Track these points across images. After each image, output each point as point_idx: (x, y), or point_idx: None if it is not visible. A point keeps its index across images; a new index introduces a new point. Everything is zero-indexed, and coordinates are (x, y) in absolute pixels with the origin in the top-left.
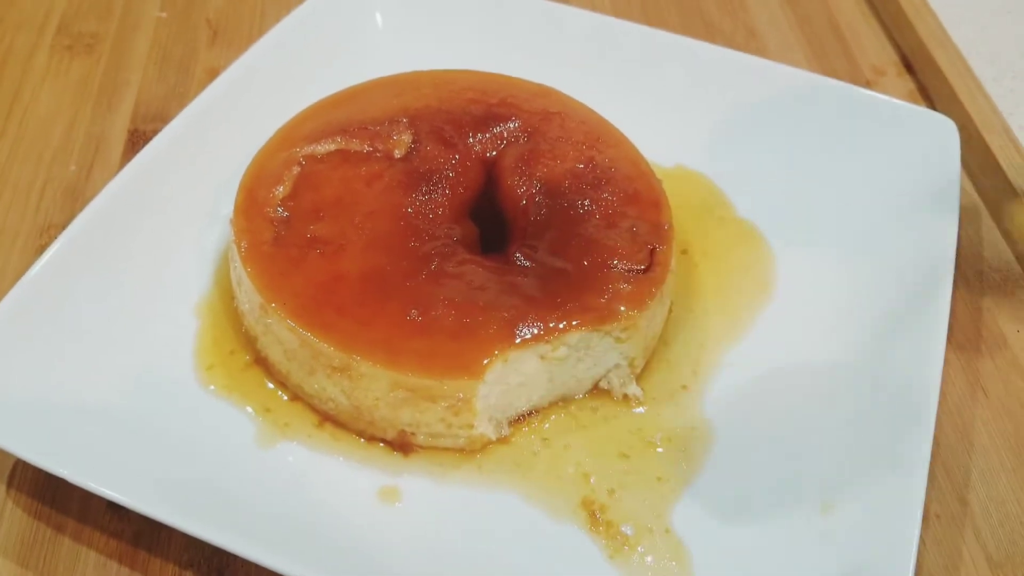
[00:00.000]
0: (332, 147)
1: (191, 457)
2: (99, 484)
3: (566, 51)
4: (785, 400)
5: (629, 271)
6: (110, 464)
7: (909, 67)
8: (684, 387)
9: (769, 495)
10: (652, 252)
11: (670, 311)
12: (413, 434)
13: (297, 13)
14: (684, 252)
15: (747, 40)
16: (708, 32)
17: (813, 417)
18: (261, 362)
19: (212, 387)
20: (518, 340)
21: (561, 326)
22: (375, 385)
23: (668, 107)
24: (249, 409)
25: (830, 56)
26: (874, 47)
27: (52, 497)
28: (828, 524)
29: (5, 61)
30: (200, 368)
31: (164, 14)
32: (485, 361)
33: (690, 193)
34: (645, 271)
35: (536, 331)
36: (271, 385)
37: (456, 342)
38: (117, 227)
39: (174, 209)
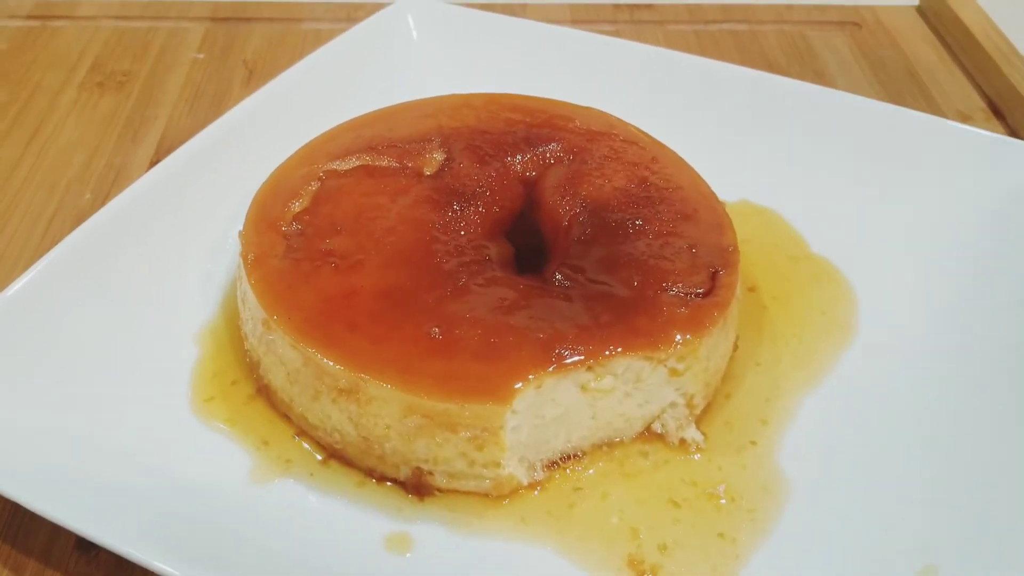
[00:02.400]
0: (356, 163)
1: (177, 494)
2: (65, 516)
3: (624, 84)
4: (872, 452)
5: (687, 294)
6: (83, 496)
7: (997, 112)
8: (752, 440)
9: (856, 560)
10: (714, 275)
11: (735, 348)
12: (430, 473)
13: (333, 43)
14: (752, 290)
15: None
16: None
17: (907, 472)
18: (264, 392)
19: (209, 420)
20: (554, 365)
21: (606, 352)
22: (386, 410)
23: (731, 140)
24: (247, 444)
25: (908, 101)
26: (957, 92)
27: (15, 532)
28: None
29: (32, 96)
30: (197, 399)
31: (201, 55)
32: (516, 386)
33: (758, 229)
34: (706, 295)
35: (576, 355)
36: (275, 419)
37: (482, 363)
38: (118, 244)
39: (184, 230)
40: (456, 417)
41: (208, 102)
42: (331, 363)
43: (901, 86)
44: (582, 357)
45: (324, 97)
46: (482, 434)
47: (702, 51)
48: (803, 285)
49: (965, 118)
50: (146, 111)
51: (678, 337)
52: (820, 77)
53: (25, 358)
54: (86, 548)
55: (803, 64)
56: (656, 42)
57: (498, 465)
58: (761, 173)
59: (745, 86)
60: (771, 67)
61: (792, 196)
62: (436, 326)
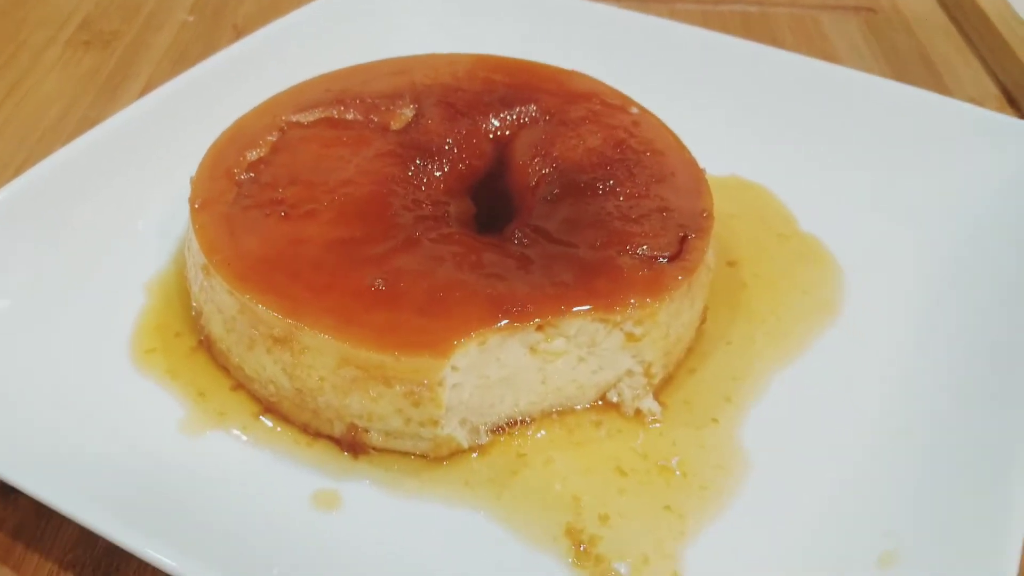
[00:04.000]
0: (321, 116)
1: (105, 443)
2: None
3: (618, 53)
4: (837, 435)
5: (652, 257)
6: (4, 439)
7: (1012, 100)
8: (714, 418)
9: (813, 541)
10: (683, 240)
11: (704, 320)
12: (366, 431)
13: (317, 3)
14: (732, 265)
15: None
16: None
17: (873, 456)
18: (205, 343)
19: (148, 370)
20: (500, 322)
21: (557, 312)
22: (320, 361)
23: (725, 113)
24: (183, 395)
25: (919, 86)
26: (971, 80)
27: None
28: None
29: (17, 52)
30: (139, 350)
31: (192, 18)
32: (456, 341)
33: (746, 204)
34: (672, 259)
35: (524, 314)
36: (215, 372)
37: (423, 317)
38: (73, 190)
39: (142, 180)
40: (391, 370)
41: (192, 63)
42: (265, 309)
43: (912, 72)
44: (531, 316)
45: (302, 56)
46: (418, 390)
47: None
48: (788, 263)
49: (978, 105)
50: (129, 69)
51: (635, 298)
52: (828, 61)
53: None
54: (5, 491)
55: (811, 46)
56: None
57: (436, 424)
58: (754, 148)
59: (743, 58)
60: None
61: (785, 173)
62: (381, 278)
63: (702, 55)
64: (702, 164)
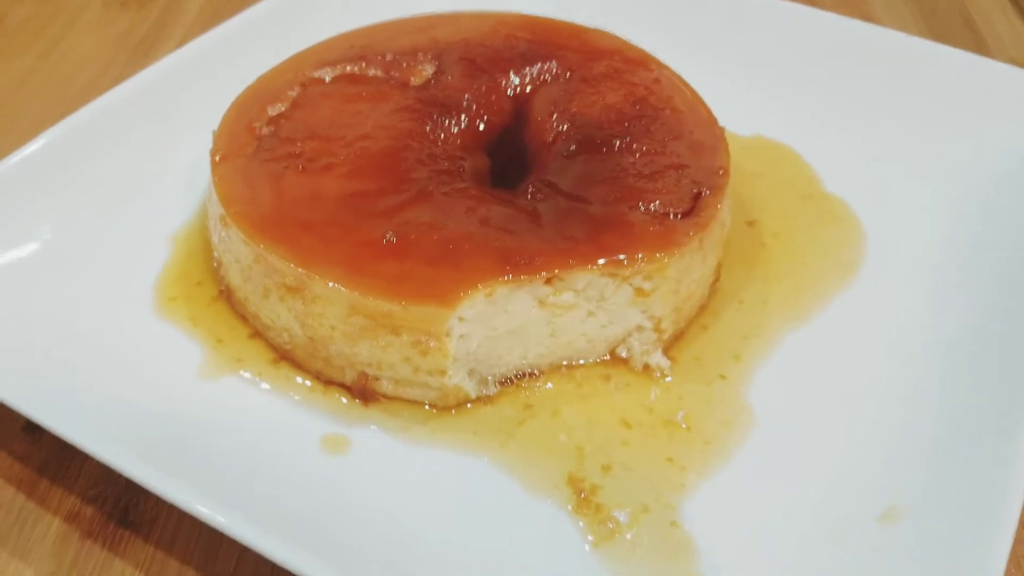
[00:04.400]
0: (342, 72)
1: (125, 384)
2: (13, 397)
3: (641, 9)
4: (848, 393)
5: (665, 213)
6: (33, 379)
7: None
8: (722, 375)
9: (813, 497)
10: (697, 197)
11: (717, 278)
12: (376, 379)
13: None
14: (751, 225)
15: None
16: None
17: (880, 417)
18: (225, 293)
19: (170, 318)
20: (508, 275)
21: (566, 265)
22: (331, 310)
23: (750, 72)
24: (202, 342)
25: (958, 47)
26: (1013, 39)
27: None
28: (886, 536)
29: (57, 12)
30: (162, 298)
31: None
32: (463, 292)
33: (769, 165)
34: (685, 216)
35: (532, 266)
36: (233, 320)
37: (432, 268)
38: (103, 142)
39: (170, 134)
40: (399, 319)
41: None
42: (278, 259)
43: (952, 32)
44: (539, 269)
45: (329, 13)
46: (425, 339)
47: None
48: (809, 224)
49: (1020, 67)
50: (162, 31)
51: (642, 254)
52: (865, 18)
53: None
54: (32, 429)
55: (850, 7)
56: None
57: (443, 373)
58: (781, 108)
59: (769, 16)
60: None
61: (812, 134)
62: (392, 230)
63: (731, 13)
64: (727, 123)
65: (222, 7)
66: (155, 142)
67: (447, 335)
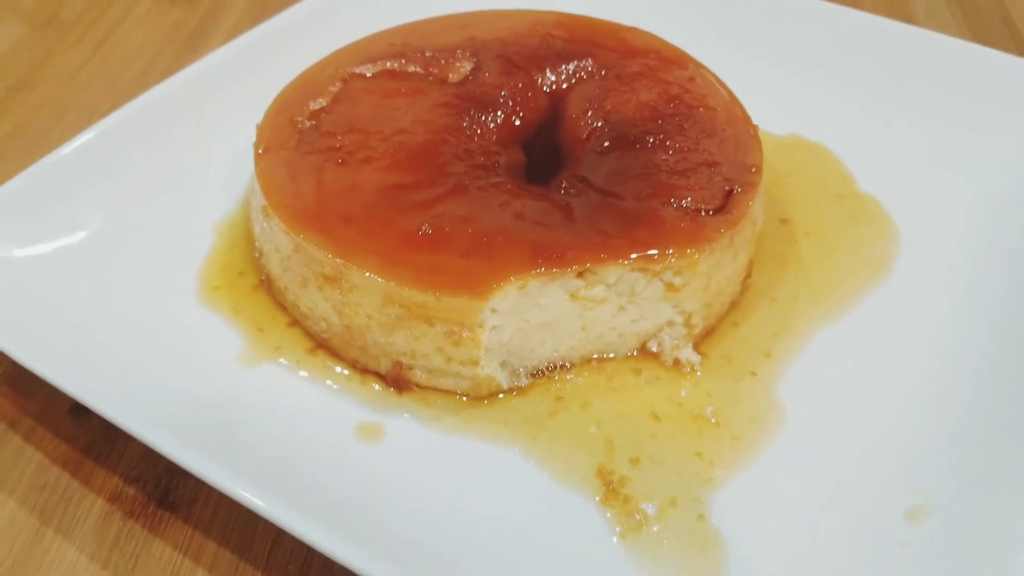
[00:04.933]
0: (382, 68)
1: (169, 370)
2: (61, 380)
3: (680, 9)
4: (877, 391)
5: (696, 210)
6: (80, 363)
7: None
8: (752, 371)
9: (840, 493)
10: (730, 194)
11: (748, 275)
12: (410, 368)
13: None
14: (784, 222)
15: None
16: None
17: (910, 414)
18: (266, 282)
19: (212, 306)
20: (541, 268)
21: (597, 259)
22: (367, 300)
23: (787, 72)
24: (243, 330)
25: (998, 48)
26: None
27: (15, 392)
28: (912, 533)
29: (110, 5)
30: (205, 288)
31: None
32: (496, 284)
33: (804, 163)
34: (717, 212)
35: (564, 260)
36: (274, 309)
37: (466, 260)
38: (151, 134)
39: (214, 126)
40: (433, 310)
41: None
42: (316, 249)
43: (993, 34)
44: (571, 262)
45: (372, 10)
46: (459, 329)
47: None
48: (842, 222)
49: None
50: (210, 24)
51: (673, 249)
52: (904, 20)
53: (47, 227)
54: (79, 411)
55: (890, 8)
56: None
57: (475, 364)
58: (817, 107)
59: (808, 17)
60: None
61: (848, 133)
62: (428, 222)
63: (770, 13)
64: (763, 122)
65: (269, 2)
66: (200, 135)
67: (480, 326)
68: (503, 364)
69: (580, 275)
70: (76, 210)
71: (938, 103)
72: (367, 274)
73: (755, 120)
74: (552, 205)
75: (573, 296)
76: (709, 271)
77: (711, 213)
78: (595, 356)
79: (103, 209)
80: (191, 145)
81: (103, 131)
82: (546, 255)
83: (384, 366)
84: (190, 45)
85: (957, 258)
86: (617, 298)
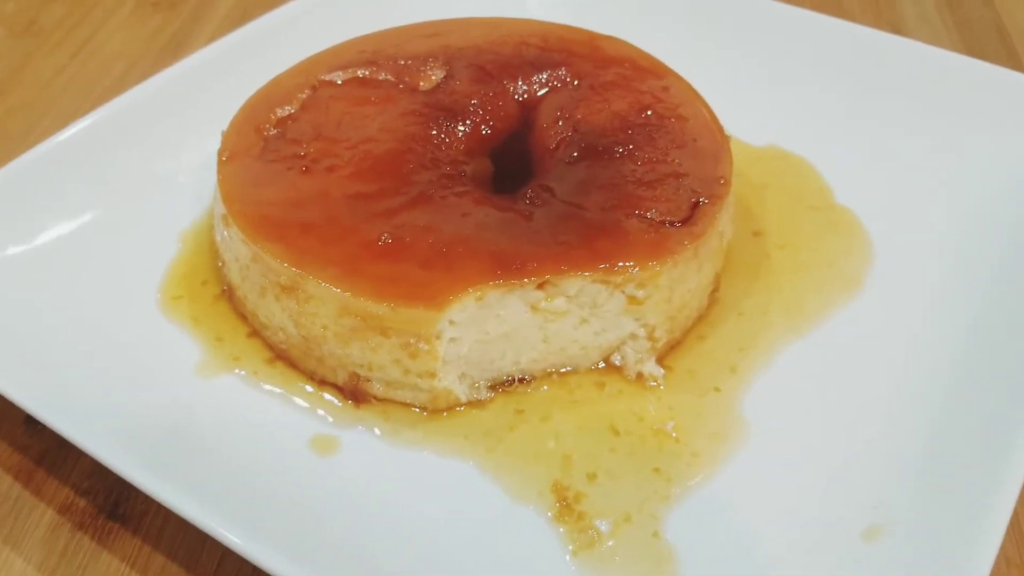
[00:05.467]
0: (353, 75)
1: (124, 381)
2: (12, 391)
3: (657, 16)
4: (843, 408)
5: (661, 221)
6: (33, 375)
7: None
8: (716, 387)
9: (799, 510)
10: (695, 206)
11: (716, 288)
12: (367, 380)
13: None
14: (757, 235)
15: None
16: None
17: (875, 432)
18: (227, 292)
19: (172, 317)
20: (500, 279)
21: (558, 270)
22: (323, 310)
23: (767, 81)
24: (202, 340)
25: (991, 59)
26: None
27: None
28: (870, 552)
29: (89, 12)
30: (165, 297)
31: None
32: (453, 295)
33: (781, 175)
34: (682, 224)
35: (524, 271)
36: (234, 319)
37: (424, 270)
38: (117, 140)
39: (185, 133)
40: (388, 321)
41: None
42: (273, 259)
43: (984, 44)
44: (530, 273)
45: (351, 18)
46: (415, 341)
47: None
48: (816, 235)
49: None
50: (191, 30)
51: (633, 262)
52: (895, 30)
53: (6, 233)
54: (33, 421)
55: (878, 16)
56: None
57: (433, 376)
58: (795, 118)
59: (791, 26)
60: (842, 16)
61: (827, 145)
62: (388, 232)
63: (753, 22)
64: (742, 133)
65: (252, 8)
66: (172, 141)
67: (437, 338)
68: (462, 376)
69: (540, 286)
70: (39, 216)
71: (921, 115)
72: (323, 284)
73: (733, 130)
74: (515, 215)
75: (533, 308)
76: (672, 283)
77: (676, 225)
78: (558, 369)
79: (67, 216)
80: (162, 151)
81: (71, 136)
82: (505, 266)
83: (341, 378)
84: (169, 51)
85: (931, 274)
86: (579, 310)
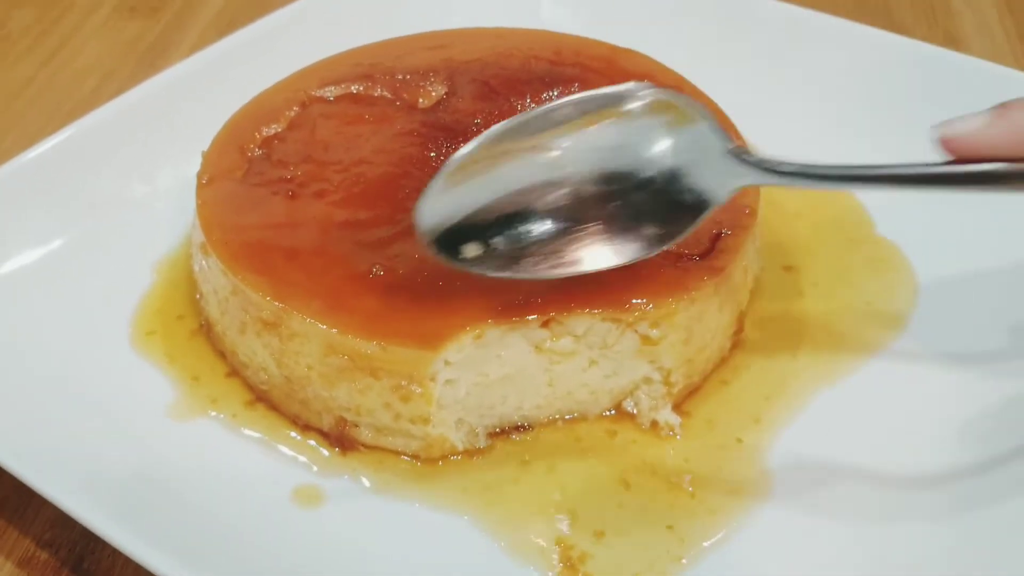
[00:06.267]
0: (346, 91)
1: (92, 424)
2: None
3: (688, 30)
4: (878, 466)
5: (679, 255)
6: None
7: None
8: (738, 438)
9: None
10: (717, 237)
11: (740, 329)
12: (355, 425)
13: None
14: (787, 269)
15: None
16: None
17: (913, 493)
18: (206, 327)
19: (146, 353)
20: (500, 316)
21: (564, 308)
22: (307, 348)
23: (801, 98)
24: (177, 379)
25: None
26: None
27: None
28: None
29: (60, 19)
30: (138, 332)
31: None
32: (449, 333)
33: (816, 204)
34: (702, 258)
35: (527, 308)
36: (212, 357)
37: (418, 306)
38: (87, 163)
39: (162, 155)
40: (378, 361)
41: None
42: (253, 291)
43: None
44: (533, 311)
45: (346, 27)
46: (407, 383)
47: (813, 3)
48: (855, 271)
49: None
50: (172, 38)
51: (646, 299)
52: (951, 42)
53: None
54: None
55: (933, 25)
56: None
57: (427, 422)
58: (831, 139)
59: (829, 38)
60: (895, 27)
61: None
62: (380, 264)
63: (788, 34)
64: (773, 156)
65: (238, 14)
66: (148, 162)
67: (431, 380)
68: (459, 423)
69: (545, 324)
70: (1, 244)
71: None
72: (308, 320)
73: (763, 153)
74: None
75: (538, 348)
76: (690, 323)
77: (695, 258)
78: (565, 416)
79: (31, 243)
80: (137, 173)
81: (37, 156)
82: (506, 302)
83: (327, 422)
84: (147, 61)
85: (982, 316)
86: (588, 351)
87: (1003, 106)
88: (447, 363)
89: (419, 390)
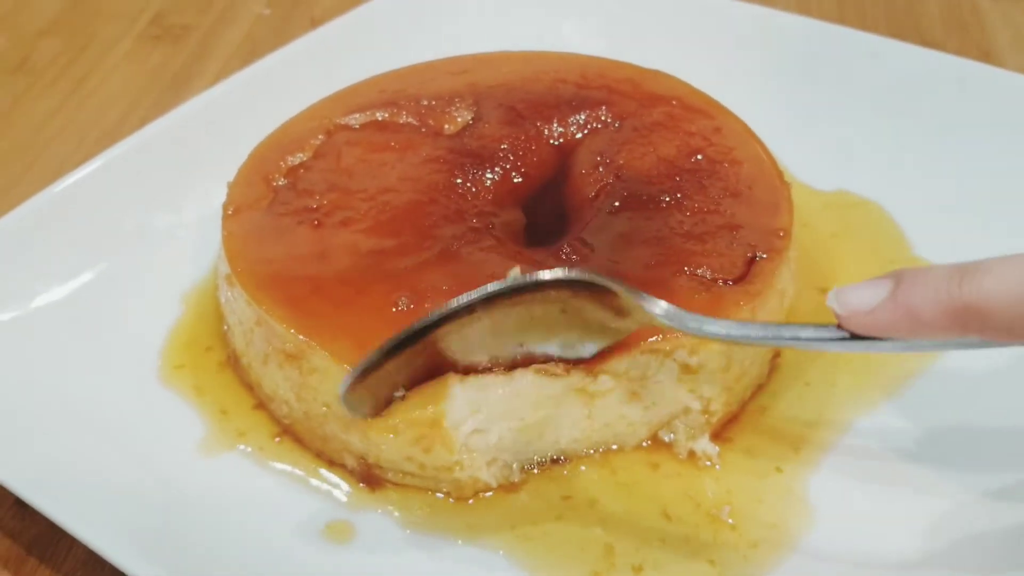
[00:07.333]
0: (372, 118)
1: (121, 460)
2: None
3: (715, 48)
4: (923, 495)
5: (713, 280)
6: (23, 453)
7: None
8: (778, 467)
9: None
10: (751, 262)
11: (777, 354)
12: (379, 467)
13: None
14: (823, 292)
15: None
16: None
17: (960, 523)
18: (232, 359)
19: (174, 387)
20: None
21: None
22: (324, 386)
23: (834, 117)
24: (205, 413)
25: None
26: None
27: None
28: None
29: (85, 47)
30: (167, 366)
31: (268, 11)
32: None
33: (852, 224)
34: (736, 282)
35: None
36: (240, 389)
37: None
38: (114, 194)
39: (190, 185)
40: (396, 411)
41: None
42: (277, 323)
43: None
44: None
45: (369, 53)
46: (427, 434)
47: (842, 19)
48: None
49: None
50: (196, 66)
51: None
52: (985, 57)
53: None
54: (24, 503)
55: (965, 39)
56: (784, 5)
57: (450, 471)
58: (866, 159)
59: (857, 53)
60: (924, 42)
61: (903, 189)
62: (406, 295)
63: (820, 53)
64: (808, 176)
65: (262, 42)
66: (174, 193)
67: (455, 429)
68: (491, 462)
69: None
70: (28, 278)
71: (1013, 156)
72: (327, 355)
73: (797, 174)
74: None
75: (578, 391)
76: (729, 350)
77: (730, 283)
78: (600, 448)
79: (58, 277)
80: (163, 204)
81: (64, 189)
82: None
83: (350, 462)
84: (172, 90)
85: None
86: (628, 383)
87: (896, 281)
88: (474, 411)
89: (440, 438)
